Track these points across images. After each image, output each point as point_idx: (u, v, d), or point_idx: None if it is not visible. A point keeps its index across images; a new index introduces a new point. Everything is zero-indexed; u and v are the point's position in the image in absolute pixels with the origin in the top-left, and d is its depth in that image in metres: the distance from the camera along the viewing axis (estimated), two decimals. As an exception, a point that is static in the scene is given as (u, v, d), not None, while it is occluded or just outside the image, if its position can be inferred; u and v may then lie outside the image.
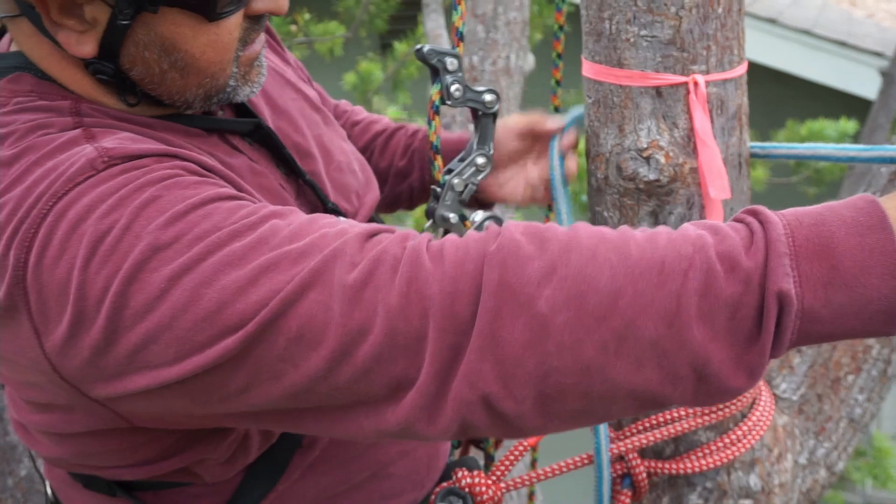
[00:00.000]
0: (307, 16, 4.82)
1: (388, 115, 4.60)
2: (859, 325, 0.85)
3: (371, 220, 1.40)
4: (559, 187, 1.39)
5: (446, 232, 1.39)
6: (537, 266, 0.84)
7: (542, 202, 1.51)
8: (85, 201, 0.96)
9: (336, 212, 1.29)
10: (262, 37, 1.19)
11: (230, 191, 1.00)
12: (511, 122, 1.49)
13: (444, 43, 3.55)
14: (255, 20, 1.14)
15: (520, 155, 1.49)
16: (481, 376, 0.85)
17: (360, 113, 1.70)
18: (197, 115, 1.20)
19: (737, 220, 0.90)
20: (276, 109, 1.33)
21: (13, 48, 1.14)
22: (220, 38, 1.09)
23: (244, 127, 1.24)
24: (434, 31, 3.68)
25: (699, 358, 0.83)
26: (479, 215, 1.38)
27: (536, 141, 1.49)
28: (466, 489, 1.32)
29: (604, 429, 1.33)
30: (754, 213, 0.88)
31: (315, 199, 1.28)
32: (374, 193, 1.42)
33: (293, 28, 4.70)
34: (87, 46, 1.06)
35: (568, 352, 0.84)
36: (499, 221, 1.36)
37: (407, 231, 0.94)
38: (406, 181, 1.61)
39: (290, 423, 0.99)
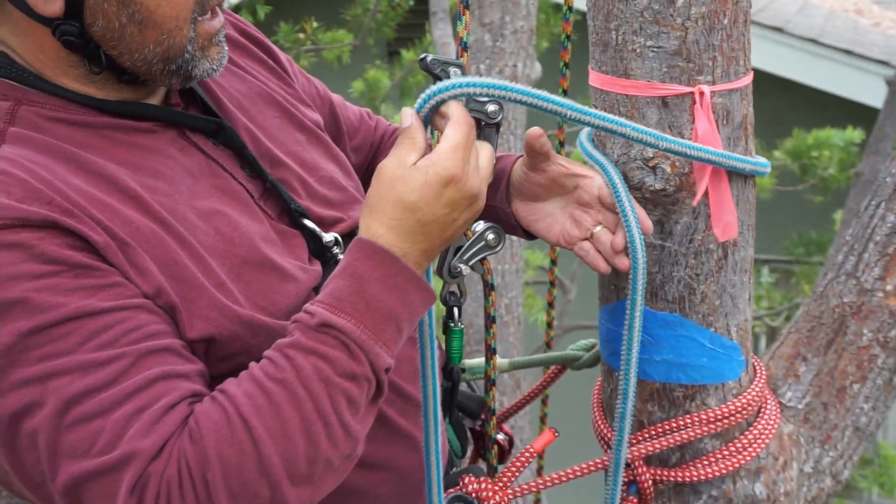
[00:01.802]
0: (315, 24, 4.84)
1: (395, 122, 4.61)
2: (416, 322, 1.17)
3: (355, 234, 1.43)
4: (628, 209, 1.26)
5: None
6: (254, 472, 1.03)
7: (568, 246, 1.37)
8: None
9: (302, 213, 1.34)
10: (221, 17, 1.26)
11: (99, 302, 1.06)
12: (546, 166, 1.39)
13: (452, 51, 3.56)
14: None
15: (556, 190, 1.37)
16: None
17: None
18: (157, 105, 1.26)
19: (326, 334, 1.09)
20: (255, 122, 1.39)
21: None
22: None
23: (206, 125, 1.30)
24: (441, 39, 3.69)
25: (362, 434, 1.13)
26: (479, 225, 1.38)
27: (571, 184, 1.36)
28: (473, 495, 1.33)
29: (625, 437, 1.33)
30: (330, 326, 1.09)
31: (280, 200, 1.33)
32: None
33: (301, 36, 4.71)
34: (54, 5, 1.14)
35: (299, 501, 1.07)
36: (498, 231, 1.36)
37: (172, 442, 1.05)
38: None
39: None
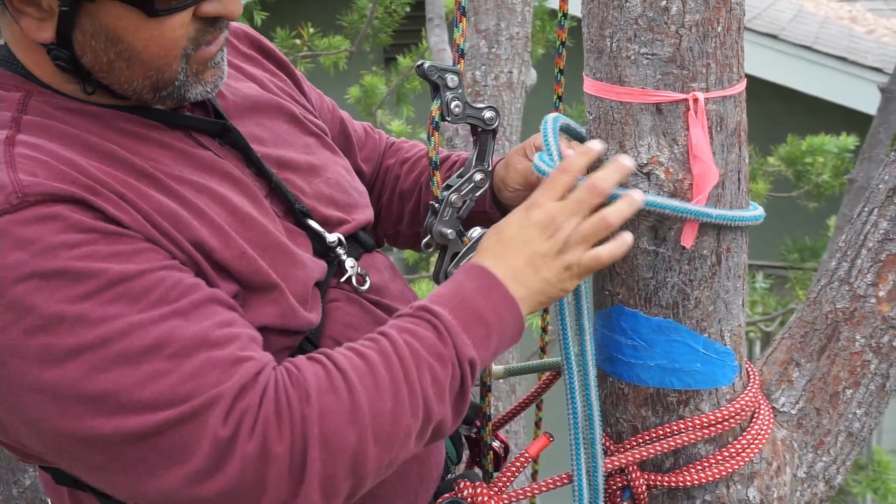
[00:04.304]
0: (312, 30, 4.85)
1: (391, 128, 4.63)
2: (502, 349, 1.24)
3: (358, 237, 1.47)
4: None
5: (443, 248, 1.40)
6: (345, 418, 1.09)
7: None
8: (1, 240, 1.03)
9: (306, 214, 1.37)
10: (221, 39, 1.24)
11: (137, 266, 1.08)
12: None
13: (448, 57, 3.57)
14: (210, 22, 1.20)
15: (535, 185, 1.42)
16: (312, 502, 1.08)
17: (411, 150, 1.75)
18: (161, 109, 1.27)
19: (419, 317, 1.19)
20: (262, 126, 1.41)
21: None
22: (164, 35, 1.16)
23: (211, 127, 1.31)
24: (437, 45, 3.70)
25: (438, 421, 1.18)
26: (476, 231, 1.40)
27: None
28: (469, 500, 1.33)
29: (584, 451, 1.34)
30: (427, 311, 1.19)
31: (285, 199, 1.35)
32: (365, 215, 1.49)
33: (298, 42, 4.72)
34: (46, 33, 1.15)
35: (377, 468, 1.13)
36: None
37: (264, 374, 1.10)
38: None
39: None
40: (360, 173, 1.66)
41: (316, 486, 1.07)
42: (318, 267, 1.33)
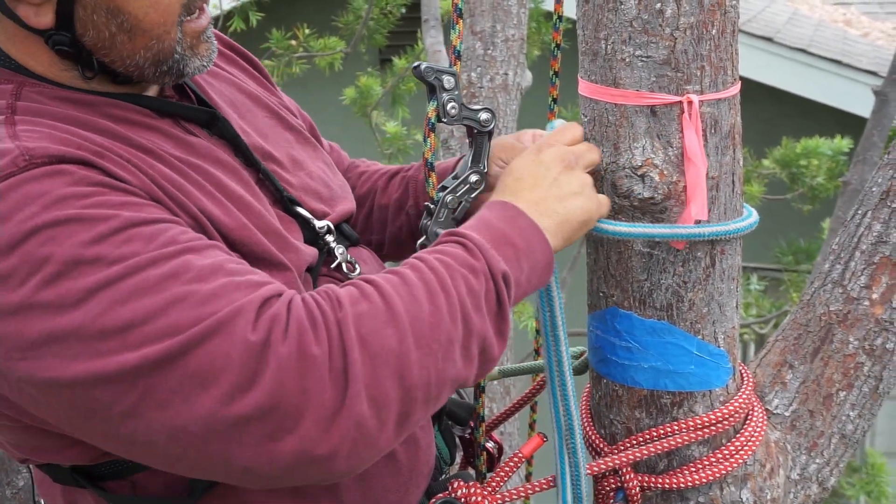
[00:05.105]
0: (307, 31, 4.85)
1: (387, 129, 4.63)
2: (536, 280, 1.22)
3: (342, 230, 1.48)
4: None
5: None
6: (382, 320, 1.07)
7: None
8: (9, 198, 1.04)
9: (294, 202, 1.39)
10: (208, 14, 1.29)
11: (147, 215, 1.09)
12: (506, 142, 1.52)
13: (443, 59, 3.57)
14: None
15: None
16: (360, 414, 1.04)
17: (371, 166, 1.78)
18: (153, 96, 1.29)
19: (445, 241, 1.20)
20: (245, 119, 1.43)
21: None
22: (161, 0, 1.19)
23: (200, 115, 1.34)
24: (433, 46, 3.70)
25: (481, 337, 1.14)
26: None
27: None
28: (462, 500, 1.33)
29: (572, 454, 1.35)
30: (454, 234, 1.20)
31: (273, 188, 1.37)
32: (347, 205, 1.51)
33: (293, 43, 4.73)
34: (45, 17, 1.17)
35: (423, 378, 1.08)
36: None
37: (288, 293, 1.09)
38: (403, 210, 1.66)
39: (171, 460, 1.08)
40: None
41: (361, 392, 1.03)
42: (310, 252, 1.35)
